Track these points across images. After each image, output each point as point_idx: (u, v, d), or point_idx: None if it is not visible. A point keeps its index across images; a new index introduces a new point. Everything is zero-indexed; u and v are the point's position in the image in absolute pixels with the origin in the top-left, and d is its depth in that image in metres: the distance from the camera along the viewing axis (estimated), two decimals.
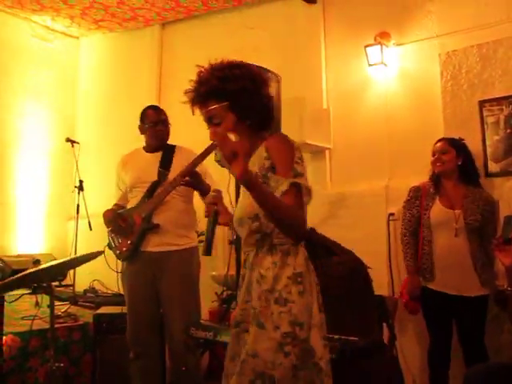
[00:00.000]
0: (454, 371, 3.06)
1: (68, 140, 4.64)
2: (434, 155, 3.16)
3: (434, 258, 3.02)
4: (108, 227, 3.17)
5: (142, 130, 3.24)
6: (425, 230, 3.07)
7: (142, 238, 3.04)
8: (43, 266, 2.34)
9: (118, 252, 3.12)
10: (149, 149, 3.24)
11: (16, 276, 2.25)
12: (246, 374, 1.56)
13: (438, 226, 3.03)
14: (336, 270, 2.65)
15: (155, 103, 4.94)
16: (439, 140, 3.21)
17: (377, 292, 2.85)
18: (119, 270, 3.17)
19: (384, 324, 3.05)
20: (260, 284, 1.65)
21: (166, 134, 3.23)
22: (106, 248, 3.11)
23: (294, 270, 1.63)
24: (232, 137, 1.69)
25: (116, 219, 3.10)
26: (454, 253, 2.97)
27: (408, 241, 3.17)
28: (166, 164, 3.13)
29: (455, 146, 3.14)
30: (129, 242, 3.07)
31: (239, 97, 1.70)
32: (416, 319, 3.41)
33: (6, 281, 2.27)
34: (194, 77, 1.77)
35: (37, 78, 5.58)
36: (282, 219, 1.57)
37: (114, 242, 3.15)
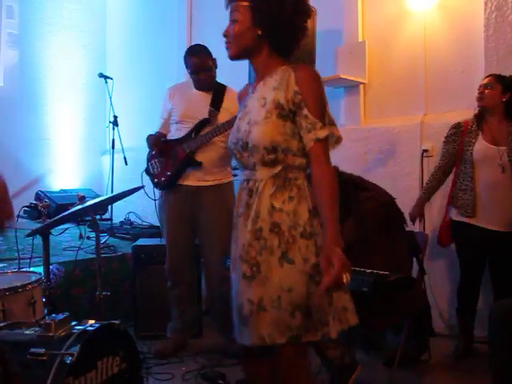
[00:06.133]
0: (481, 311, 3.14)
1: (101, 75, 4.67)
2: (479, 90, 3.08)
3: (477, 194, 3.01)
4: (152, 150, 3.25)
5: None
6: (466, 166, 3.05)
7: (181, 172, 3.13)
8: (91, 201, 2.44)
9: (155, 180, 3.22)
10: (197, 88, 3.20)
11: (68, 212, 2.36)
12: (284, 307, 1.60)
13: (482, 162, 3.00)
14: (366, 205, 2.68)
15: (186, 35, 4.90)
16: (487, 75, 3.11)
17: (407, 227, 2.89)
18: (156, 198, 3.29)
19: (414, 259, 3.10)
20: (271, 215, 1.65)
21: (210, 81, 3.17)
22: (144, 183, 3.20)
23: (311, 203, 1.65)
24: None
25: (160, 144, 3.18)
26: (498, 189, 2.97)
27: (434, 174, 3.19)
28: (216, 104, 3.13)
29: (503, 82, 3.03)
30: (168, 172, 3.16)
31: (260, 2, 1.64)
32: (445, 255, 3.46)
33: (59, 216, 2.37)
34: (226, 7, 1.73)
35: (69, 12, 5.57)
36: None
37: (153, 168, 3.23)
